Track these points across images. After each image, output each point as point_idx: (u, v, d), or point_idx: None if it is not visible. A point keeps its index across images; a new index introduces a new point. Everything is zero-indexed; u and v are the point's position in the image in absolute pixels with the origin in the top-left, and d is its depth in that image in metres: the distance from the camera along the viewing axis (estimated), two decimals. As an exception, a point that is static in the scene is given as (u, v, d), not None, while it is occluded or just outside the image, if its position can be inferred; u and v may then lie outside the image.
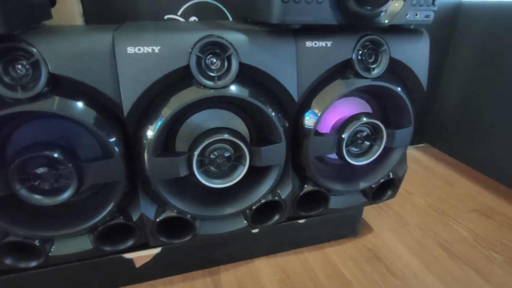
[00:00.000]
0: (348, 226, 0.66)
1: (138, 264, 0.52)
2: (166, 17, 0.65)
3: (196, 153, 0.42)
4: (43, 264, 0.45)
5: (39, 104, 0.36)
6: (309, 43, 0.45)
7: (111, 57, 0.38)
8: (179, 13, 0.65)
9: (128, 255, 0.51)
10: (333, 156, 0.54)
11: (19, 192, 0.38)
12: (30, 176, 0.38)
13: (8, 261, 0.43)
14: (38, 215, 0.42)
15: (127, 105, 0.39)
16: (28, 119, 0.40)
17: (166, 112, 0.40)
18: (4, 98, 0.35)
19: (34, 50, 0.35)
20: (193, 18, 0.67)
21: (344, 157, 0.51)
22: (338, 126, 0.51)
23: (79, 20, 0.59)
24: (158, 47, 0.38)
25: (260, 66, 0.43)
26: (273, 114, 0.44)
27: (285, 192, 0.52)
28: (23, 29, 0.36)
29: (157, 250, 0.52)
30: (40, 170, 0.39)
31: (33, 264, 0.44)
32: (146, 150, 0.41)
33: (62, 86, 0.37)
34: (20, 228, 0.41)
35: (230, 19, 0.69)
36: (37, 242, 0.43)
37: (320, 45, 0.45)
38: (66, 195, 0.40)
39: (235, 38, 0.41)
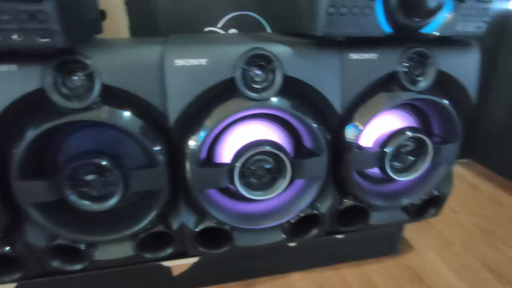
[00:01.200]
0: (388, 244, 0.63)
1: (175, 272, 0.53)
2: (206, 29, 0.67)
3: (239, 164, 0.42)
4: (87, 268, 0.46)
5: (91, 114, 0.37)
6: (353, 55, 0.44)
7: (159, 69, 0.39)
8: (219, 26, 0.67)
9: (166, 263, 0.52)
10: (375, 170, 0.52)
11: (69, 198, 0.40)
12: (79, 183, 0.40)
13: (56, 263, 0.45)
14: (85, 220, 0.44)
15: (173, 115, 0.40)
16: (78, 128, 0.42)
17: (210, 123, 0.41)
18: (60, 108, 0.37)
19: (90, 62, 0.37)
20: (232, 30, 0.68)
21: (387, 172, 0.49)
22: (381, 140, 0.50)
23: (126, 33, 0.62)
24: (205, 60, 0.39)
25: (303, 79, 0.43)
26: (315, 126, 0.44)
27: (324, 206, 0.51)
28: (79, 43, 0.38)
29: (195, 259, 0.52)
30: (89, 177, 0.40)
31: (78, 267, 0.46)
32: (188, 160, 0.42)
33: (112, 96, 0.39)
34: (69, 232, 0.43)
35: (268, 30, 0.69)
36: (82, 246, 0.45)
37: (365, 57, 0.44)
38: (112, 201, 0.41)
39: (279, 50, 0.41)
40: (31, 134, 0.37)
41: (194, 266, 0.53)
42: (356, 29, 0.41)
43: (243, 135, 0.47)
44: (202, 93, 0.40)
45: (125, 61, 0.38)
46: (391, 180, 0.52)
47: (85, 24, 0.40)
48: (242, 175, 0.44)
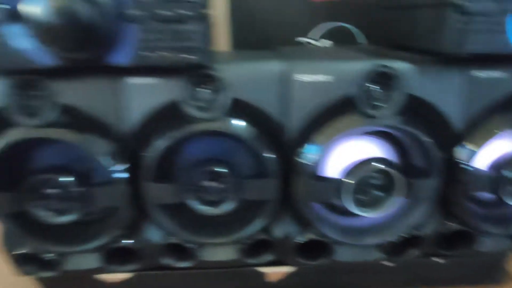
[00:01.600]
0: (488, 271, 0.59)
1: (270, 279, 0.54)
2: (296, 39, 0.67)
3: (352, 181, 0.42)
4: (193, 266, 0.49)
5: (219, 124, 0.40)
6: (480, 74, 0.42)
7: (281, 84, 0.40)
8: (314, 37, 0.67)
9: (262, 269, 0.53)
10: (485, 193, 0.49)
11: (190, 202, 0.43)
12: (199, 188, 0.43)
13: (167, 260, 0.49)
14: (197, 223, 0.46)
15: (292, 128, 0.41)
16: (198, 137, 0.45)
17: (327, 138, 0.41)
18: (192, 118, 0.40)
19: (221, 76, 0.39)
20: (324, 41, 0.68)
21: (504, 198, 0.46)
22: (499, 163, 0.46)
23: (226, 44, 0.65)
24: (330, 76, 0.40)
25: (426, 97, 0.41)
26: (431, 145, 0.42)
27: (428, 228, 0.49)
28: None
29: (291, 268, 0.53)
30: (208, 183, 0.43)
31: (186, 265, 0.49)
32: (301, 173, 0.43)
33: (236, 108, 0.41)
34: (183, 232, 0.46)
35: (363, 41, 0.68)
36: (193, 246, 0.48)
37: (493, 76, 0.42)
38: (226, 207, 0.43)
39: (403, 67, 0.41)
40: (165, 141, 0.40)
41: (290, 275, 0.54)
42: (489, 46, 0.38)
43: (348, 149, 0.47)
44: (324, 108, 0.40)
45: (250, 75, 0.40)
46: (503, 204, 0.48)
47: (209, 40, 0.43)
48: (352, 191, 0.44)
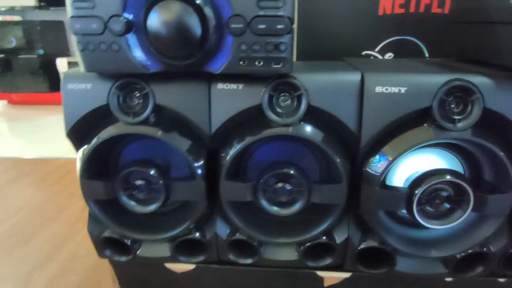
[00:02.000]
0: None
1: (326, 283, 0.55)
2: (363, 52, 0.69)
3: (418, 192, 0.43)
4: (254, 263, 0.52)
5: (295, 129, 0.42)
6: (562, 91, 0.41)
7: (356, 94, 0.42)
8: (376, 50, 0.69)
9: (320, 273, 0.55)
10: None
11: (261, 201, 0.46)
12: (270, 189, 0.45)
13: (231, 255, 0.52)
14: (264, 222, 0.49)
15: (365, 138, 0.43)
16: (269, 141, 0.48)
17: (399, 149, 0.42)
18: (270, 123, 0.43)
19: (301, 84, 0.42)
20: (389, 55, 0.69)
21: None
22: None
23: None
24: (405, 88, 0.41)
25: (501, 111, 0.41)
26: (507, 161, 0.42)
27: (496, 245, 0.48)
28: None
29: (348, 274, 0.54)
30: (280, 185, 0.45)
31: (248, 261, 0.52)
32: (369, 181, 0.44)
33: (310, 115, 0.43)
34: (252, 230, 0.49)
35: (426, 55, 0.68)
36: (256, 244, 0.50)
37: None
38: (295, 207, 0.46)
39: (478, 81, 0.41)
40: (244, 142, 0.43)
41: (346, 280, 0.55)
42: None
43: (418, 160, 0.47)
44: (397, 119, 0.42)
45: (329, 84, 0.42)
46: None
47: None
48: (419, 202, 0.44)
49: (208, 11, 0.36)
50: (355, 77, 0.42)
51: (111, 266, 0.57)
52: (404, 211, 0.46)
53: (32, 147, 1.44)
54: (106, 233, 0.51)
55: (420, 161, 0.47)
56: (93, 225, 0.51)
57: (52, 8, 1.95)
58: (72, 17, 0.37)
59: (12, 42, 1.91)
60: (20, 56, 1.94)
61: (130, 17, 0.36)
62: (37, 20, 1.96)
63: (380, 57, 0.69)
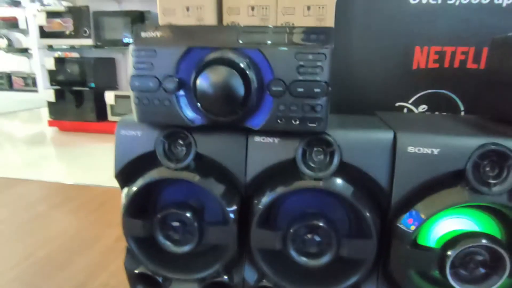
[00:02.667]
0: None
1: None
2: (397, 104, 0.71)
3: (452, 254, 0.42)
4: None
5: (327, 184, 0.44)
6: None
7: (389, 152, 0.44)
8: (410, 102, 0.70)
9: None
10: None
11: (290, 251, 0.47)
12: (299, 238, 0.47)
13: (258, 302, 0.52)
14: (293, 271, 0.50)
15: (396, 197, 0.44)
16: (305, 193, 0.49)
17: (432, 208, 0.43)
18: (303, 176, 0.45)
19: (333, 141, 0.44)
20: (423, 107, 0.70)
21: None
22: None
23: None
24: (437, 150, 0.42)
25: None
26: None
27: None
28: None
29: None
30: (308, 236, 0.47)
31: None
32: (401, 239, 0.44)
33: (343, 171, 0.45)
34: (279, 278, 0.49)
35: (462, 109, 0.69)
36: (284, 293, 0.51)
37: None
38: (323, 261, 0.46)
39: (514, 146, 0.41)
40: (277, 192, 0.45)
41: None
42: None
43: (451, 220, 0.47)
44: (429, 180, 0.43)
45: (361, 142, 0.44)
46: None
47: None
48: (452, 265, 0.44)
49: (251, 74, 0.39)
50: (388, 135, 0.44)
51: (142, 301, 0.60)
52: (436, 272, 0.45)
53: (75, 172, 1.54)
54: (140, 269, 0.54)
55: (454, 221, 0.47)
56: (130, 260, 0.54)
57: (106, 47, 2.15)
58: (132, 76, 0.42)
59: (71, 78, 2.11)
60: (73, 88, 2.13)
61: (182, 77, 0.41)
62: (92, 57, 2.17)
63: (414, 109, 0.70)
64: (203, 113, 0.41)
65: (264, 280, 0.51)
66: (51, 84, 2.17)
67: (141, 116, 0.44)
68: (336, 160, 0.44)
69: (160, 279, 0.54)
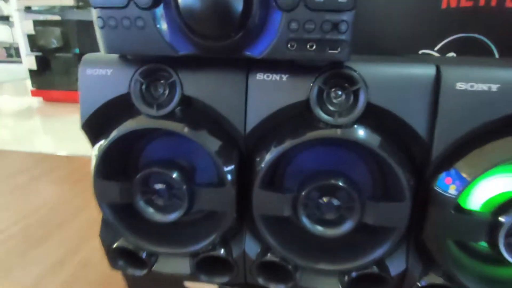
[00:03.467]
0: None
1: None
2: (420, 52, 0.60)
3: (507, 221, 0.34)
4: (287, 290, 0.44)
5: (349, 133, 0.35)
6: None
7: (430, 91, 0.34)
8: (436, 49, 0.60)
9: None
10: None
11: (303, 219, 0.38)
12: (311, 203, 0.38)
13: (260, 279, 0.44)
14: (304, 243, 0.41)
15: (439, 148, 0.34)
16: (321, 145, 0.40)
17: (482, 165, 0.33)
18: (317, 123, 0.35)
19: (358, 77, 0.34)
20: (451, 55, 0.60)
21: None
22: None
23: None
24: (497, 85, 0.32)
25: None
26: None
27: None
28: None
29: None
30: (325, 199, 0.38)
31: (281, 287, 0.44)
32: (441, 203, 0.35)
33: (371, 116, 0.36)
34: (287, 252, 0.41)
35: (496, 55, 0.59)
36: (291, 267, 0.42)
37: None
38: (343, 229, 0.38)
39: None
40: (285, 146, 0.36)
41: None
42: None
43: (498, 179, 0.38)
44: (483, 126, 0.33)
45: (393, 78, 0.34)
46: None
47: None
48: (507, 233, 0.35)
49: (252, -20, 0.29)
50: (429, 70, 0.34)
51: (124, 279, 0.51)
52: (482, 244, 0.37)
53: (62, 144, 1.44)
54: (120, 243, 0.45)
55: (505, 180, 0.38)
56: (106, 232, 0.45)
57: (89, 7, 1.99)
58: (92, -15, 0.31)
59: (52, 43, 1.96)
60: (57, 55, 1.99)
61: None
62: (74, 20, 2.00)
63: (438, 55, 0.60)
64: (190, 38, 0.31)
65: (269, 254, 0.42)
66: (32, 51, 2.02)
67: (108, 44, 0.34)
68: (361, 102, 0.34)
69: (143, 254, 0.45)
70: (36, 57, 2.02)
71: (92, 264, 0.62)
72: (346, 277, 0.42)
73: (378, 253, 0.39)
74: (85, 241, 0.68)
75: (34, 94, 2.14)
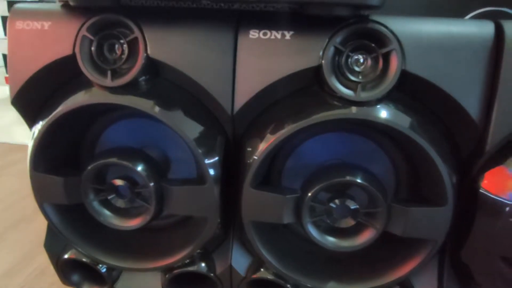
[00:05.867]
0: None
1: None
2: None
3: None
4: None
5: (375, 112, 0.26)
6: None
7: (488, 57, 0.25)
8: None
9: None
10: None
11: (308, 228, 0.29)
12: (319, 207, 0.29)
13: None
14: (307, 256, 0.32)
15: (497, 135, 0.25)
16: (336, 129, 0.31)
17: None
18: (334, 99, 0.26)
19: (392, 37, 0.25)
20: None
21: None
22: None
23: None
24: None
25: None
26: None
27: None
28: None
29: None
30: (336, 202, 0.28)
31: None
32: (494, 209, 0.27)
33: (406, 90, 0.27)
34: (283, 267, 0.32)
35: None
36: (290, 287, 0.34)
37: None
38: (363, 241, 0.28)
39: None
40: (286, 131, 0.26)
41: None
42: None
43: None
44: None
45: (438, 39, 0.25)
46: None
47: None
48: None
49: None
50: (486, 27, 0.25)
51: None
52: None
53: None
54: (71, 254, 0.35)
55: None
56: (53, 241, 0.35)
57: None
58: None
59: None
60: (34, 39, 1.85)
61: None
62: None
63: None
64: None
65: (261, 270, 0.33)
66: (5, 35, 1.87)
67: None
68: (394, 71, 0.25)
69: (102, 269, 0.36)
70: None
71: (50, 274, 0.52)
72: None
73: (403, 270, 0.30)
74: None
75: (8, 81, 1.99)
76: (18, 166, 0.93)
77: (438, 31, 0.25)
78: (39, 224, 0.65)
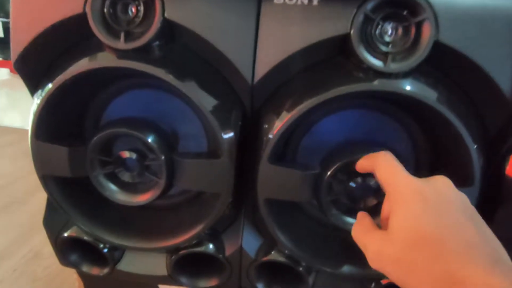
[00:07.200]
0: None
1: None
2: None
3: None
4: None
5: (407, 85, 0.24)
6: None
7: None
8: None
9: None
10: None
11: (332, 215, 0.28)
12: (338, 186, 0.27)
13: (260, 285, 0.34)
14: (322, 237, 0.31)
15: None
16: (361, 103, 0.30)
17: None
18: (361, 70, 0.25)
19: (426, 3, 0.24)
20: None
21: None
22: None
23: None
24: None
25: None
26: None
27: None
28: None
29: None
30: (356, 182, 0.27)
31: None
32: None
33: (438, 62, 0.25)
34: (297, 249, 0.30)
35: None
36: (302, 269, 0.32)
37: None
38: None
39: None
40: (304, 105, 0.25)
41: None
42: None
43: None
44: None
45: (474, 10, 0.24)
46: None
47: None
48: None
49: None
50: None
51: (80, 279, 0.40)
52: None
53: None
54: (72, 232, 0.33)
55: None
56: (53, 218, 0.34)
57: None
58: None
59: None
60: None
61: None
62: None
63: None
64: None
65: (273, 252, 0.32)
66: (-2, 16, 1.81)
67: None
68: (427, 40, 0.24)
69: (104, 248, 0.34)
70: (3, 23, 1.82)
71: (43, 256, 0.50)
72: (374, 284, 0.32)
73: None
74: (36, 228, 0.56)
75: (1, 65, 1.93)
76: (8, 149, 0.91)
77: (474, 2, 0.24)
78: (31, 207, 0.63)
